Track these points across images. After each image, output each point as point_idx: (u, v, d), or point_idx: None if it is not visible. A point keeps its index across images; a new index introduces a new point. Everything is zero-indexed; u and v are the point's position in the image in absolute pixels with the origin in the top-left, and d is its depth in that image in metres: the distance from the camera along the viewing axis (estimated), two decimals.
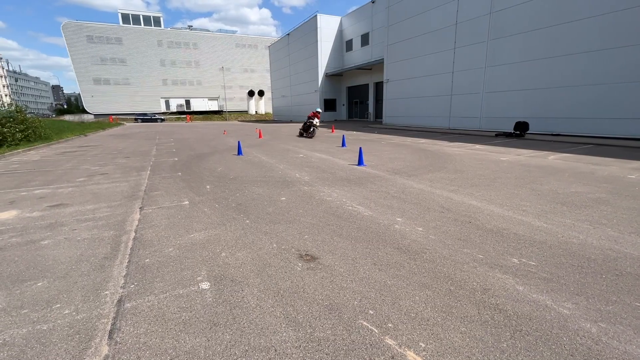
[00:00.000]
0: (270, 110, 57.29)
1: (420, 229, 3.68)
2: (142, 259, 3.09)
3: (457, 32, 17.31)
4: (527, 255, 2.96)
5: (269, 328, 2.06)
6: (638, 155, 8.21)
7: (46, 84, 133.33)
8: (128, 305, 2.35)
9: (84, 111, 56.06)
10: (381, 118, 26.16)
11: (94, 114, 53.68)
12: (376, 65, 27.36)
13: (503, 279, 2.57)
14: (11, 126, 13.43)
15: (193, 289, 2.54)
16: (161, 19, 60.52)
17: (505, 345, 1.87)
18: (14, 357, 1.88)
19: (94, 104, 55.91)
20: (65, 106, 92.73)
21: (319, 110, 15.90)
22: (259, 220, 4.10)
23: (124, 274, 2.81)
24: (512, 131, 13.73)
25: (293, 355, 1.83)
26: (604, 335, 1.93)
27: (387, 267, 2.81)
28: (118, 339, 2.00)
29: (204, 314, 2.22)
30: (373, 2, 28.35)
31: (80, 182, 6.74)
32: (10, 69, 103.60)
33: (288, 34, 39.51)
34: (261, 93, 59.56)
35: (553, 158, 8.22)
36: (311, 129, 15.59)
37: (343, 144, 11.67)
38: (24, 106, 16.98)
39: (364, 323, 2.09)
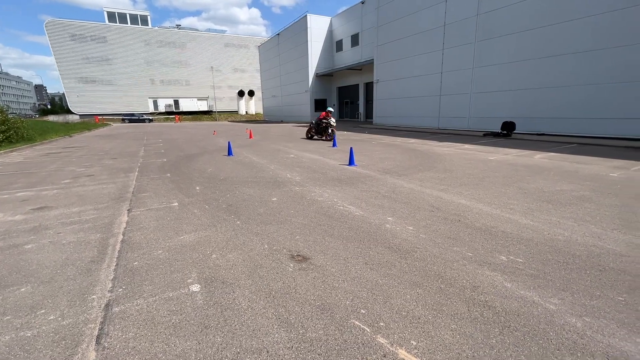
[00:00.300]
0: (260, 111, 56.98)
1: (411, 228, 3.72)
2: (131, 262, 3.03)
3: (445, 33, 17.54)
4: (514, 253, 3.02)
5: (261, 329, 2.05)
6: (619, 154, 8.47)
7: (29, 83, 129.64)
8: (116, 309, 2.31)
9: (69, 111, 54.74)
10: (372, 118, 26.32)
11: (80, 115, 52.46)
12: (366, 66, 27.50)
13: (492, 276, 2.62)
14: None
15: (183, 291, 2.51)
16: (148, 17, 59.55)
17: (494, 341, 1.90)
18: None
19: (79, 104, 54.64)
20: (49, 106, 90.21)
21: (331, 109, 14.17)
22: (250, 221, 4.08)
23: (112, 277, 2.76)
24: (500, 131, 13.98)
25: (285, 357, 1.83)
26: (588, 330, 1.98)
27: (379, 266, 2.83)
28: (106, 344, 1.96)
29: (194, 317, 2.19)
30: (363, 3, 28.50)
31: (66, 184, 6.58)
32: None
33: (278, 34, 39.39)
34: (251, 93, 59.16)
35: (539, 157, 8.40)
36: (329, 131, 13.66)
37: (334, 144, 11.69)
38: (4, 106, 16.47)
39: (356, 322, 2.10)
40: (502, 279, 2.57)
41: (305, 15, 32.39)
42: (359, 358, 1.80)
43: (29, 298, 2.47)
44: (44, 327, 2.12)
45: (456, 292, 2.42)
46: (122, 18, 57.37)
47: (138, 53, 57.71)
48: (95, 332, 2.07)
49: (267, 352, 1.86)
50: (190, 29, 65.58)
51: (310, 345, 1.90)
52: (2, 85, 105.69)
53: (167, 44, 59.86)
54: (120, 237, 3.65)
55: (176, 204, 4.92)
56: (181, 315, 2.22)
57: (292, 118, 37.90)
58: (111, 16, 56.55)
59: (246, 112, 59.66)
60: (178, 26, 64.80)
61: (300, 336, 1.98)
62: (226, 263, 2.96)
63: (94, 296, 2.48)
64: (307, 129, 15.03)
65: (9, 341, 2.01)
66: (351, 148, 8.21)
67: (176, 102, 59.94)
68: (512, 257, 2.93)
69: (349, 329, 2.03)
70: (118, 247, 3.38)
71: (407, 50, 20.46)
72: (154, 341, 1.97)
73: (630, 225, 3.62)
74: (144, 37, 57.92)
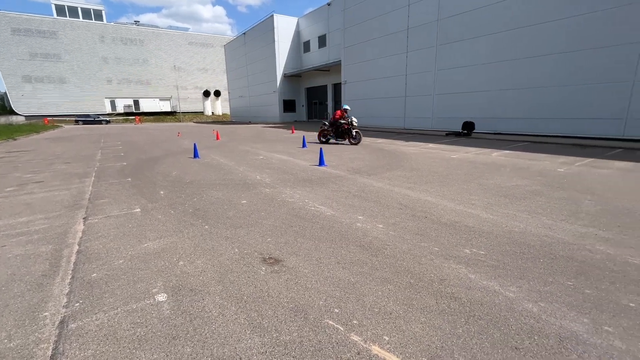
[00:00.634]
0: (227, 111, 55.62)
1: (381, 226, 3.80)
2: (88, 273, 2.83)
3: (408, 36, 18.18)
4: (477, 246, 3.19)
5: (233, 336, 2.00)
6: (565, 151, 9.25)
7: None
8: (72, 325, 2.14)
9: (12, 112, 49.89)
10: None
11: (25, 116, 48.01)
12: (334, 67, 27.80)
13: (457, 269, 2.75)
14: None
15: (148, 302, 2.38)
16: (103, 12, 55.88)
17: (460, 331, 2.00)
18: None
19: (24, 105, 49.97)
20: None
21: (347, 107, 12.30)
22: (218, 225, 3.96)
23: (67, 291, 2.55)
24: (461, 130, 14.74)
25: None
26: (543, 314, 2.14)
27: (351, 265, 2.87)
28: None
29: (161, 328, 2.09)
30: (329, 5, 28.78)
31: (10, 192, 6.00)
32: None
33: (244, 33, 38.69)
34: (217, 93, 57.56)
35: (496, 155, 8.96)
36: (353, 133, 11.82)
37: (304, 145, 11.69)
38: None
39: (330, 322, 2.11)
40: (467, 271, 2.71)
41: (272, 15, 32.12)
42: (334, 357, 1.81)
43: None
44: None
45: (425, 286, 2.51)
46: (73, 12, 53.30)
47: (93, 50, 53.92)
48: (49, 353, 1.90)
49: (240, 358, 1.82)
50: (150, 25, 62.43)
51: (285, 349, 1.88)
52: None
53: (125, 41, 56.52)
54: (76, 247, 3.39)
55: (138, 209, 4.66)
56: (146, 327, 2.10)
57: (261, 119, 37.40)
58: (60, 10, 52.34)
59: (212, 112, 57.95)
60: (136, 22, 61.47)
61: (274, 340, 1.96)
62: (194, 270, 2.85)
63: (46, 313, 2.28)
64: (319, 131, 12.91)
65: None
66: (321, 148, 8.25)
67: (136, 103, 56.80)
68: (475, 250, 3.10)
69: (323, 329, 2.04)
70: (73, 258, 3.14)
71: (373, 52, 20.95)
72: (116, 357, 1.85)
73: (575, 215, 3.96)
74: (98, 33, 54.23)
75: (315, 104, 34.64)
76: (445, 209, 4.34)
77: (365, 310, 2.22)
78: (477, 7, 14.62)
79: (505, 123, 14.29)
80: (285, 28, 32.91)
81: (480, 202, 4.61)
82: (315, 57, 31.84)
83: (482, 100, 15.10)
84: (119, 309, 2.30)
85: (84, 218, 4.36)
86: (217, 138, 16.21)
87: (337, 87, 29.11)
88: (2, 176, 7.58)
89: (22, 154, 11.92)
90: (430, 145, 11.61)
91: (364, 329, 2.04)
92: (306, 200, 4.91)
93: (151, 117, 53.73)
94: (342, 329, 2.04)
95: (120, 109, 56.13)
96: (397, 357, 1.80)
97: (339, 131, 12.19)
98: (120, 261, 3.04)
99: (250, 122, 36.76)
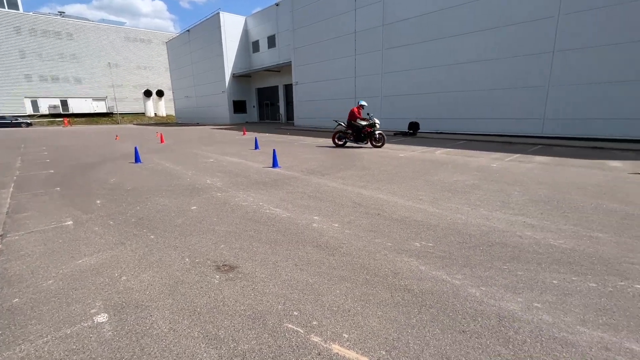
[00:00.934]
0: (172, 112, 52.37)
1: (337, 225, 3.87)
2: (8, 299, 2.45)
3: (356, 40, 18.78)
4: (426, 238, 3.40)
5: (187, 352, 1.88)
6: (497, 148, 10.27)
7: None
8: None
9: None
10: (293, 120, 26.60)
11: None
12: (285, 67, 27.67)
13: (409, 262, 2.89)
14: None
15: (86, 324, 2.14)
16: (19, 0, 49.17)
17: (414, 321, 2.10)
18: None
19: None
20: None
21: (364, 102, 11.17)
22: (166, 234, 3.70)
23: None
24: (407, 130, 15.60)
25: None
26: (484, 297, 2.34)
27: (308, 266, 2.86)
28: None
29: (102, 352, 1.88)
30: (277, 5, 28.58)
31: None
32: None
33: (188, 31, 36.77)
34: (160, 93, 53.89)
35: (439, 153, 9.64)
36: (376, 134, 10.71)
37: (256, 147, 11.45)
38: None
39: (290, 326, 2.08)
40: (418, 263, 2.86)
41: (218, 13, 30.97)
42: None
43: None
44: None
45: (380, 281, 2.60)
46: None
47: (6, 43, 47.16)
48: None
49: None
50: (79, 17, 56.42)
51: (243, 359, 1.82)
52: None
53: (48, 34, 50.26)
54: None
55: (70, 222, 4.17)
56: (84, 353, 1.88)
57: (210, 120, 35.85)
58: None
59: (155, 114, 54.15)
60: (61, 13, 55.07)
61: (231, 351, 1.88)
62: (140, 284, 2.62)
63: None
64: (333, 132, 11.66)
65: None
66: (274, 150, 8.15)
67: (64, 103, 50.89)
68: (424, 243, 3.29)
69: (282, 334, 2.00)
70: None
71: (323, 54, 21.26)
72: None
73: (507, 206, 4.41)
74: (13, 24, 47.57)
75: (267, 105, 34.16)
76: (396, 206, 4.55)
77: (325, 310, 2.23)
78: (415, 16, 15.62)
79: (446, 123, 15.44)
80: (232, 27, 31.95)
81: (427, 197, 4.91)
82: (265, 57, 31.41)
83: (424, 102, 16.14)
84: (49, 336, 2.03)
85: (0, 236, 3.78)
86: (162, 141, 15.18)
87: (288, 88, 29.02)
88: None
89: None
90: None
91: (324, 328, 2.05)
92: (260, 203, 4.81)
93: (83, 119, 48.54)
94: (301, 331, 2.03)
95: (44, 110, 49.80)
96: (357, 353, 1.84)
97: (360, 135, 10.88)
98: (50, 282, 2.69)
99: (198, 124, 35.04)
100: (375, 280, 2.61)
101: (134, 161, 9.13)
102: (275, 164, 7.76)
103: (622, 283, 2.47)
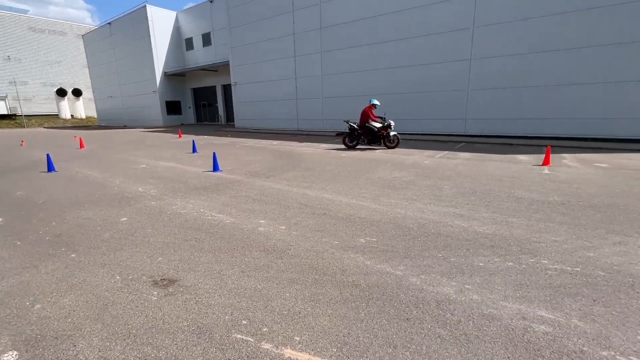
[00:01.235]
0: (94, 114, 46.75)
1: (283, 227, 3.83)
2: None
3: (295, 41, 18.86)
4: (370, 234, 3.55)
5: None
6: (429, 146, 11.18)
7: None
8: None
9: None
10: (233, 121, 25.70)
11: None
12: (222, 67, 26.57)
13: (355, 258, 2.99)
14: None
15: None
16: None
17: (363, 315, 2.17)
18: None
19: None
20: None
21: (376, 102, 10.78)
22: (91, 251, 3.28)
23: None
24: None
25: None
26: (424, 284, 2.52)
27: (256, 272, 2.79)
28: None
29: None
30: (211, 2, 27.33)
31: None
32: None
33: (109, 23, 33.22)
34: (77, 92, 47.60)
35: (378, 152, 10.15)
36: (391, 137, 10.36)
37: (194, 150, 10.80)
38: None
39: (238, 336, 2.00)
40: (363, 259, 2.97)
41: (145, 6, 28.51)
42: None
43: None
44: None
45: (329, 280, 2.64)
46: None
47: None
48: None
49: None
50: None
51: None
52: None
53: None
54: None
55: None
56: None
57: (140, 122, 32.84)
58: None
59: (72, 115, 47.76)
60: None
61: None
62: (59, 312, 2.28)
63: None
64: (344, 136, 11.12)
65: None
66: (214, 153, 7.78)
67: None
68: (368, 239, 3.43)
69: (231, 345, 1.91)
70: None
71: (262, 54, 20.92)
72: None
73: (440, 199, 4.83)
74: None
75: (204, 106, 32.45)
76: (341, 204, 4.67)
77: (275, 315, 2.19)
78: (349, 21, 16.27)
79: None
80: (162, 22, 29.67)
81: (369, 195, 5.14)
82: (201, 56, 29.81)
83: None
84: None
85: None
86: (82, 146, 13.47)
87: (227, 88, 27.96)
88: None
89: None
90: (323, 145, 12.34)
91: (275, 334, 2.01)
92: (202, 210, 4.55)
93: None
94: (252, 340, 1.96)
95: None
96: (309, 354, 1.83)
97: (376, 137, 10.43)
98: None
99: (125, 127, 31.86)
100: (324, 280, 2.64)
101: (46, 170, 7.93)
102: (216, 168, 7.41)
103: (532, 260, 2.87)
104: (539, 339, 1.91)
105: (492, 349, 1.84)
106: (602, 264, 2.76)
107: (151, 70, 29.97)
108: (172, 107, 31.71)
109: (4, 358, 1.85)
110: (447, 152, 9.66)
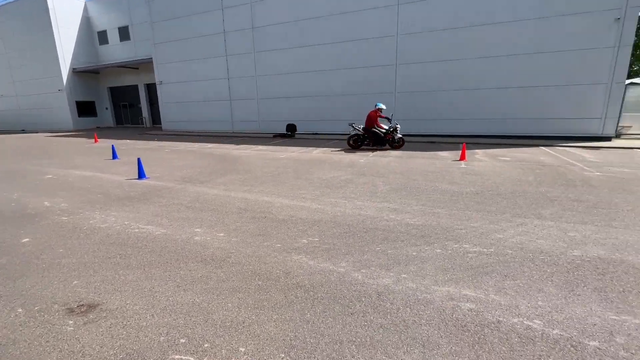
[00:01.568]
0: None
1: (222, 234, 3.65)
2: None
3: (226, 40, 18.14)
4: (311, 234, 3.58)
5: None
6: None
7: None
8: None
9: None
10: (160, 124, 23.68)
11: None
12: (145, 65, 24.27)
13: (298, 259, 2.99)
14: None
15: None
16: None
17: (309, 316, 2.18)
18: None
19: None
20: None
21: (382, 105, 10.70)
22: None
23: None
24: (285, 132, 16.12)
25: None
26: (366, 278, 2.63)
27: (193, 284, 2.60)
28: None
29: None
30: None
31: None
32: None
33: None
34: None
35: (316, 152, 10.33)
36: (397, 138, 10.49)
37: (114, 156, 9.67)
38: None
39: (177, 357, 1.84)
40: (306, 259, 2.99)
41: None
42: None
43: None
44: None
45: (273, 284, 2.59)
46: None
47: None
48: None
49: None
50: None
51: None
52: None
53: None
54: None
55: None
56: None
57: (44, 126, 28.23)
58: None
59: None
60: None
61: None
62: None
63: None
64: (349, 137, 11.10)
65: None
66: (139, 159, 7.06)
67: None
68: (310, 239, 3.46)
69: None
70: None
71: (190, 52, 19.66)
72: None
73: (375, 195, 5.10)
74: None
75: (125, 107, 29.25)
76: (282, 206, 4.63)
77: (217, 329, 2.07)
78: (281, 22, 16.28)
79: (319, 125, 16.70)
80: (67, 11, 25.91)
81: (309, 195, 5.19)
82: (118, 52, 26.81)
83: (298, 104, 17.02)
84: None
85: None
86: None
87: (151, 88, 25.63)
88: None
89: None
90: (260, 147, 12.10)
91: (218, 348, 1.90)
92: (126, 222, 4.09)
93: None
94: (192, 359, 1.82)
95: None
96: None
97: (382, 140, 10.49)
98: None
99: (24, 131, 27.10)
100: (267, 285, 2.58)
101: None
102: (141, 175, 6.74)
103: (456, 245, 3.20)
104: (465, 315, 2.14)
105: (427, 331, 2.00)
106: (510, 244, 3.21)
107: (55, 65, 25.99)
108: (85, 108, 27.96)
109: None
110: (378, 151, 10.26)
